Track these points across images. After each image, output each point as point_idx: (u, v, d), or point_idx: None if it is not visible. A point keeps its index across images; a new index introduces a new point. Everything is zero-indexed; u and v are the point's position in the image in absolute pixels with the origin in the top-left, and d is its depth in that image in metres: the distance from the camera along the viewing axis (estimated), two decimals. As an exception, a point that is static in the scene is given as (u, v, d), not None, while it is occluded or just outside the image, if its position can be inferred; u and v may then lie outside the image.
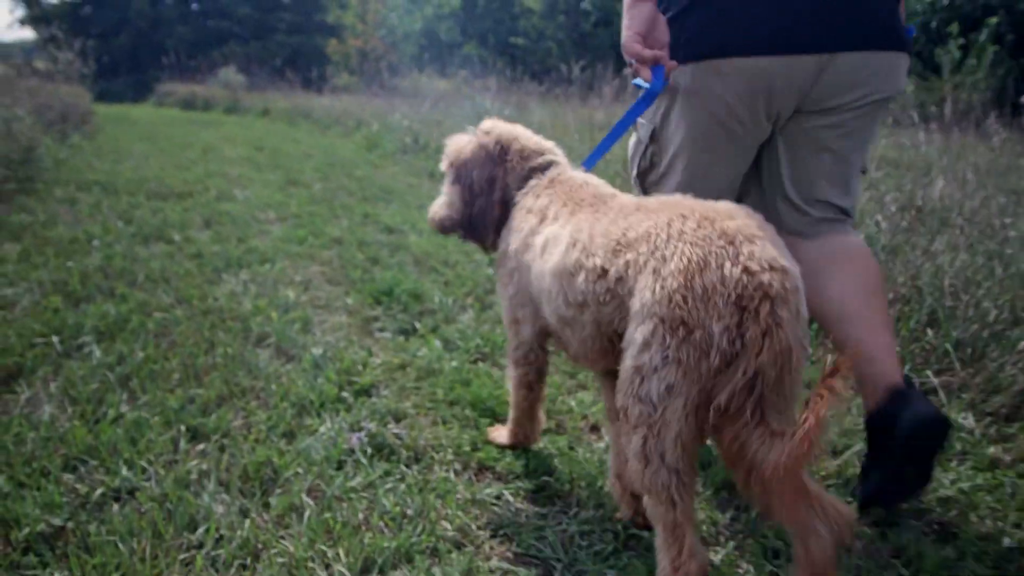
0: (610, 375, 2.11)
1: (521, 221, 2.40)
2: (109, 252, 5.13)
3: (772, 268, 1.64)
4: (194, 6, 37.37)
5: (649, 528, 2.05)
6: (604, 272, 1.92)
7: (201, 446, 2.77)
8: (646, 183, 2.62)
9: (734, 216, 1.76)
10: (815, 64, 2.25)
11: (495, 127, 2.62)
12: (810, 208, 2.50)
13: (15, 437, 2.74)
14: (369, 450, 2.76)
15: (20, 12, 36.15)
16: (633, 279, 1.82)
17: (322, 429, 2.91)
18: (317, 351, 3.62)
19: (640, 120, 2.56)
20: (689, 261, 1.67)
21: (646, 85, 2.32)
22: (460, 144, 2.64)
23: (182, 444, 2.76)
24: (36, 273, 4.60)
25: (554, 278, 2.12)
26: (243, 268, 5.02)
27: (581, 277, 1.99)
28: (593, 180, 2.39)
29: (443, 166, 2.72)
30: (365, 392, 3.30)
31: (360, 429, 2.92)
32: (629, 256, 1.84)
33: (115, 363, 3.39)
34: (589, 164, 2.64)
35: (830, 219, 2.52)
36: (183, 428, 2.84)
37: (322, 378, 3.34)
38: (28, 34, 36.27)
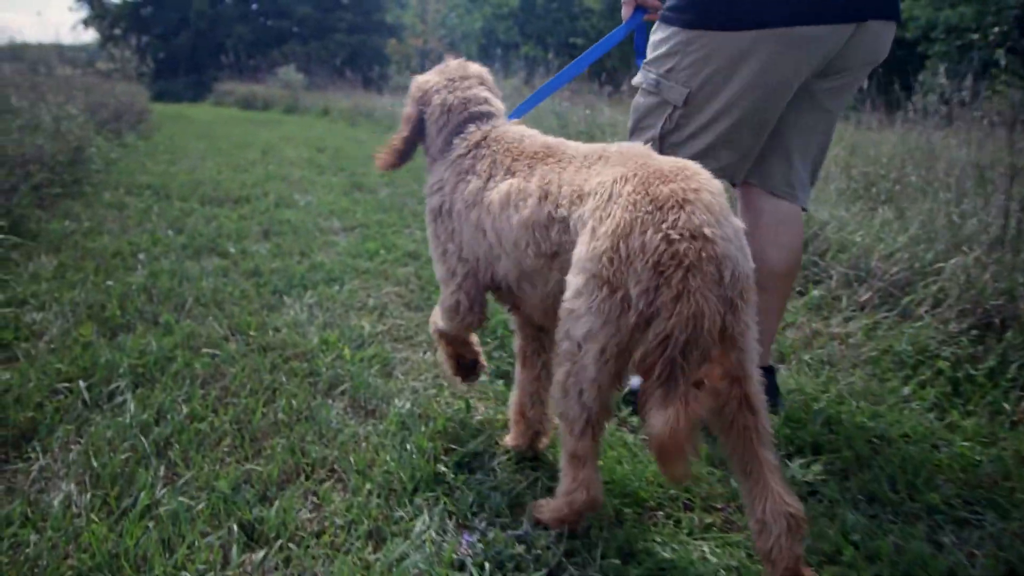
0: (530, 325, 2.49)
1: (458, 180, 2.44)
2: (155, 268, 4.47)
3: (693, 237, 1.71)
4: (254, 6, 37.22)
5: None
6: (566, 221, 2.01)
7: (259, 554, 2.03)
8: (666, 144, 2.64)
9: (674, 179, 1.81)
10: (850, 31, 2.45)
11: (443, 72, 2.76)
12: (800, 168, 2.76)
13: (13, 538, 2.04)
14: (487, 564, 2.01)
15: (84, 13, 36.16)
16: (576, 232, 1.95)
17: (418, 526, 2.16)
18: (403, 405, 2.90)
19: (665, 82, 2.59)
20: (618, 225, 1.78)
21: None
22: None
23: (234, 552, 2.03)
24: (71, 294, 3.95)
25: (524, 230, 2.13)
26: (307, 289, 4.31)
27: (555, 229, 2.06)
28: (530, 132, 2.43)
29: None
30: (468, 466, 2.56)
31: (470, 528, 2.19)
32: (581, 209, 1.95)
33: (152, 421, 2.69)
34: (518, 114, 2.75)
35: (804, 185, 2.80)
36: (235, 526, 2.11)
37: (412, 444, 2.60)
38: (91, 37, 36.38)
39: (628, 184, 1.84)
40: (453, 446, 2.64)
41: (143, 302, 3.90)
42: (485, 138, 2.44)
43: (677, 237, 1.70)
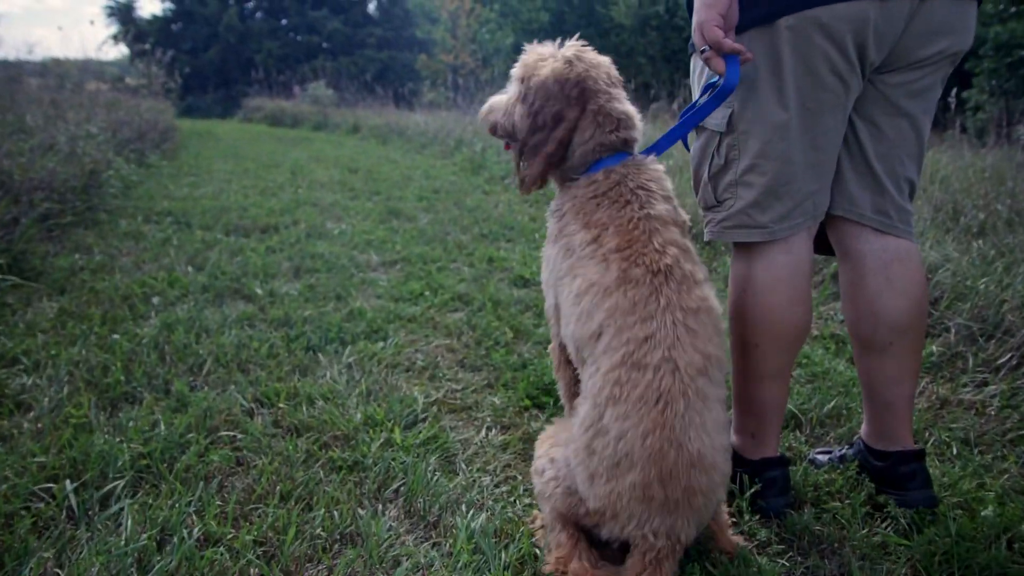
0: None
1: (576, 219, 2.03)
2: (170, 317, 3.86)
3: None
4: (283, 21, 36.96)
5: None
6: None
7: None
8: (720, 187, 2.24)
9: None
10: (908, 9, 2.03)
11: (582, 59, 2.12)
12: (893, 189, 2.27)
13: None
14: None
15: (114, 28, 36.07)
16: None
17: None
18: (473, 518, 2.25)
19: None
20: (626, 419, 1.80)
21: (715, 80, 2.09)
22: (537, 61, 2.16)
23: None
24: (69, 352, 3.35)
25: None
26: (346, 345, 3.69)
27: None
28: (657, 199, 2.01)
29: (514, 73, 2.20)
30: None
31: None
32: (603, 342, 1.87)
33: (153, 547, 2.06)
34: (658, 150, 2.18)
35: (905, 212, 2.30)
36: None
37: (491, 579, 1.97)
38: (121, 52, 36.33)
39: (649, 361, 1.83)
40: (545, 583, 2.00)
41: (153, 363, 3.29)
42: (621, 182, 2.01)
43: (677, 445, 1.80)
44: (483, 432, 2.92)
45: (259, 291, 4.45)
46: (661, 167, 2.09)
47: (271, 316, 4.02)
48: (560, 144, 2.08)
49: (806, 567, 2.09)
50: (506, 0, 34.52)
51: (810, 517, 2.27)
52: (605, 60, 2.18)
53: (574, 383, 2.18)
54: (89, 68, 15.08)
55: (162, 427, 2.69)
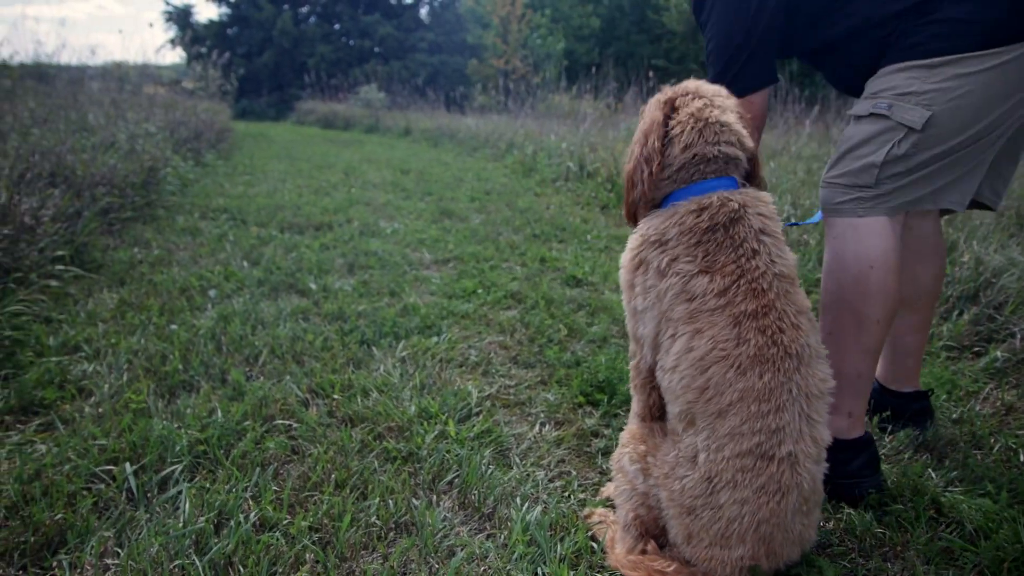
0: None
1: (692, 255, 1.89)
2: (226, 310, 3.90)
3: None
4: (336, 26, 37.32)
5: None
6: None
7: None
8: (885, 175, 2.27)
9: None
10: None
11: (685, 88, 2.08)
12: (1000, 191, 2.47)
13: None
14: None
15: (171, 32, 36.74)
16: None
17: None
18: (528, 510, 2.24)
19: (900, 104, 2.22)
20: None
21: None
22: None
23: None
24: (129, 341, 3.40)
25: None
26: (399, 340, 3.69)
27: None
28: (783, 247, 1.94)
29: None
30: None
31: None
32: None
33: (211, 530, 2.07)
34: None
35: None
36: None
37: (547, 574, 1.94)
38: (179, 56, 36.96)
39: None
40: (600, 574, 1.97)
41: (210, 353, 3.33)
42: (740, 218, 1.91)
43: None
44: (536, 427, 2.89)
45: (313, 286, 4.48)
46: (773, 200, 2.01)
47: (325, 310, 4.04)
48: (652, 152, 2.00)
49: (868, 569, 2.04)
50: (557, 6, 34.52)
51: (872, 519, 2.22)
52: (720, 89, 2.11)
53: (657, 407, 2.12)
54: (147, 72, 15.34)
55: (219, 414, 2.71)
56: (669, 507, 1.91)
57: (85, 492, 2.23)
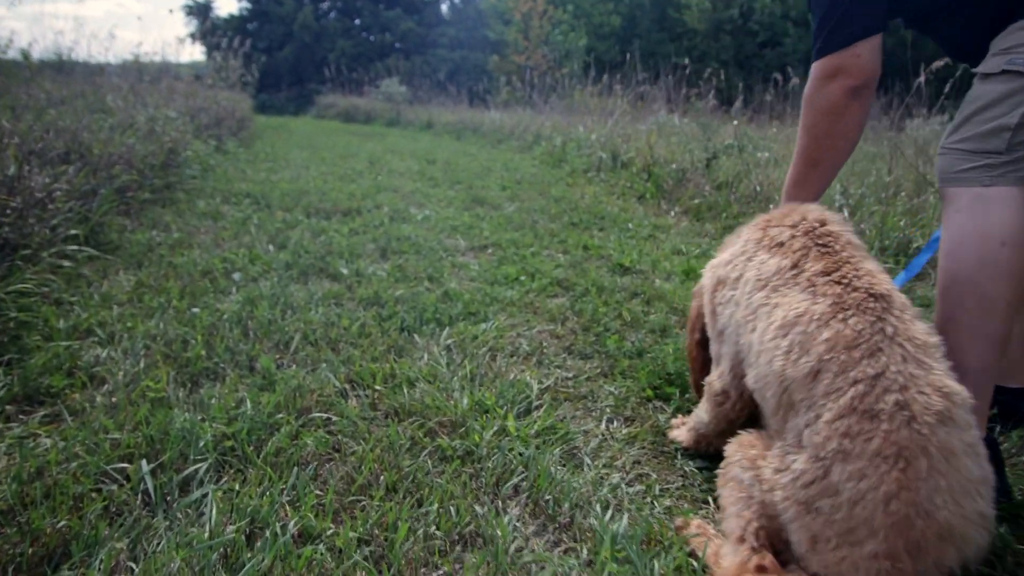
0: None
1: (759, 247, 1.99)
2: (252, 292, 3.57)
3: None
4: (356, 21, 37.07)
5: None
6: None
7: None
8: (1016, 139, 1.93)
9: None
10: None
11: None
12: None
13: None
14: None
15: (191, 27, 36.57)
16: None
17: None
18: (612, 519, 1.90)
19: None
20: None
21: None
22: None
23: None
24: (147, 324, 3.07)
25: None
26: (442, 326, 3.35)
27: None
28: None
29: None
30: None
31: None
32: None
33: (240, 542, 1.73)
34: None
35: None
36: None
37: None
38: (200, 53, 36.88)
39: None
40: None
41: (236, 338, 2.99)
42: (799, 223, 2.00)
43: None
44: (603, 423, 2.56)
45: (345, 271, 4.14)
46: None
47: (359, 295, 3.71)
48: None
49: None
50: (579, 3, 34.23)
51: (1008, 533, 1.88)
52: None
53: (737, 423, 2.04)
54: (167, 69, 15.05)
55: (248, 406, 2.38)
56: (786, 508, 1.58)
57: (94, 494, 1.90)
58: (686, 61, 13.38)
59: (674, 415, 2.65)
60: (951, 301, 2.03)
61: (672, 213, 6.82)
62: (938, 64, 5.40)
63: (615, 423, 2.57)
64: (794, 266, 1.81)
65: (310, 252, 4.48)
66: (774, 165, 7.24)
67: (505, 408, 2.53)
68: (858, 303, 1.64)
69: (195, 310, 3.27)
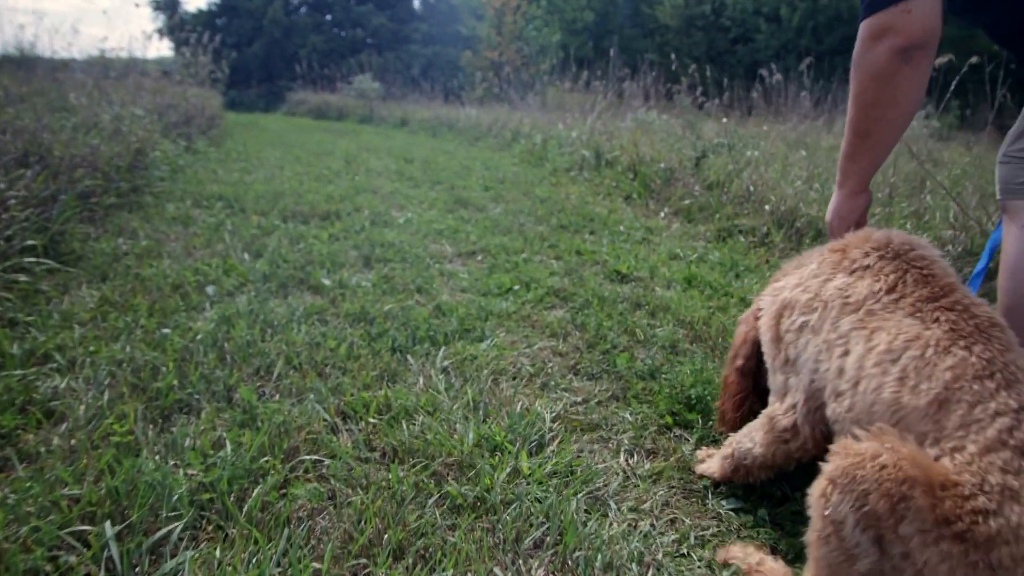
0: None
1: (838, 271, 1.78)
2: (228, 309, 3.28)
3: None
4: (328, 16, 36.57)
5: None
6: None
7: None
8: None
9: None
10: None
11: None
12: None
13: None
14: None
15: (159, 23, 35.85)
16: None
17: None
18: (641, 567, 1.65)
19: None
20: None
21: None
22: None
23: None
24: (111, 349, 2.77)
25: None
26: (436, 345, 3.08)
27: None
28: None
29: None
30: None
31: None
32: None
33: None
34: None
35: None
36: None
37: None
38: (167, 49, 36.18)
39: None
40: None
41: (211, 364, 2.70)
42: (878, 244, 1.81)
43: None
44: (621, 456, 2.30)
45: (327, 281, 3.86)
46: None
47: (344, 310, 3.42)
48: None
49: None
50: (552, -1, 34.06)
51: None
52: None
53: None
54: (134, 65, 14.61)
55: (228, 448, 2.10)
56: (932, 558, 1.27)
57: (48, 569, 1.61)
58: (658, 57, 13.27)
59: (698, 446, 2.41)
60: (1017, 324, 1.79)
61: (662, 214, 6.59)
62: (941, 60, 5.19)
63: (635, 456, 2.32)
64: (891, 290, 1.62)
65: (289, 261, 4.18)
66: (766, 164, 7.02)
67: (516, 443, 2.27)
68: (979, 331, 1.46)
69: (165, 331, 2.98)
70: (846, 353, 1.59)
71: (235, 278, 3.81)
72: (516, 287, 3.99)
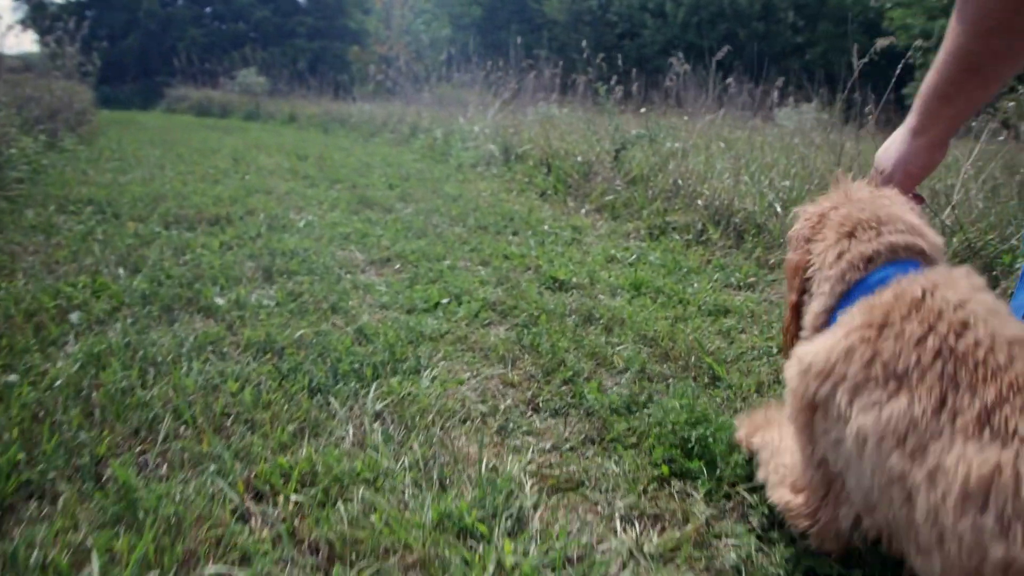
0: None
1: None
2: (97, 345, 2.61)
3: None
4: (207, 9, 35.02)
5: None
6: None
7: None
8: None
9: None
10: None
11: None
12: None
13: None
14: None
15: (21, 13, 33.61)
16: None
17: None
18: None
19: None
20: None
21: None
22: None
23: None
24: (-64, 404, 2.10)
25: None
26: (365, 383, 2.50)
27: None
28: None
29: None
30: None
31: None
32: None
33: None
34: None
35: None
36: None
37: None
38: (29, 45, 34.06)
39: None
40: None
41: (73, 423, 2.06)
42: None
43: None
44: (621, 527, 1.79)
45: (220, 301, 3.22)
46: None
47: (246, 338, 2.80)
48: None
49: None
50: (440, -7, 33.66)
51: None
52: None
53: None
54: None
55: (95, 564, 1.48)
56: None
57: None
58: (545, 53, 12.99)
59: (708, 499, 1.92)
60: None
61: (584, 211, 6.14)
62: (883, 43, 4.87)
63: (637, 525, 1.81)
64: (937, 410, 1.20)
65: (173, 277, 3.51)
66: (690, 158, 6.63)
67: (488, 522, 1.72)
68: None
69: (11, 378, 2.30)
70: (909, 500, 1.23)
71: (107, 301, 3.12)
72: (445, 300, 3.44)
